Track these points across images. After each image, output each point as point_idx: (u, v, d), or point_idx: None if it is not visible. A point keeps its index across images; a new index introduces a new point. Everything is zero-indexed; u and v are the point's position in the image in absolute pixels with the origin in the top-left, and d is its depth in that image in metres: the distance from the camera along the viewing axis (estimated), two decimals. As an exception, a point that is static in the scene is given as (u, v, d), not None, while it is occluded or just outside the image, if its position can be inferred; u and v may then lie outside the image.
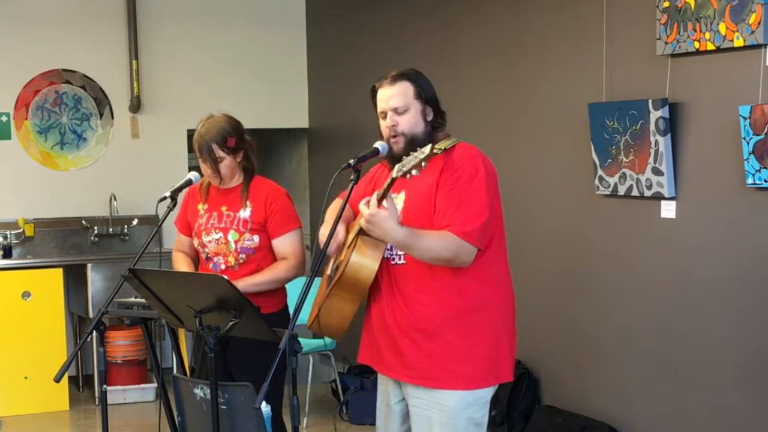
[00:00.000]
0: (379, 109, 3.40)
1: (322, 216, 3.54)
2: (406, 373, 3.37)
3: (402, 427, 3.51)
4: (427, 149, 3.00)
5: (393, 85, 3.35)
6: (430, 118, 3.37)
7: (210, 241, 4.30)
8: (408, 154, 3.11)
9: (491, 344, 3.35)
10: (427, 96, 3.36)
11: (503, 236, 3.43)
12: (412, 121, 3.33)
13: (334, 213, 3.51)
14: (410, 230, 3.16)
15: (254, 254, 4.27)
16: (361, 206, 3.14)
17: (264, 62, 7.92)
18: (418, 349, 3.33)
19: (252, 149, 4.34)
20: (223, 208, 4.31)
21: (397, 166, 3.09)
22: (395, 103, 3.33)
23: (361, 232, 3.30)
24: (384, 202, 3.15)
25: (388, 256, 3.36)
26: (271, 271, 4.26)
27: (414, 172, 3.04)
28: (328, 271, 3.51)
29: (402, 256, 3.35)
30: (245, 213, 4.27)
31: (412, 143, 3.28)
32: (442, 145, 3.10)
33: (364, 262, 3.30)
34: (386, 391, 3.53)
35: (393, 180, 3.10)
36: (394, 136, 3.33)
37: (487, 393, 3.37)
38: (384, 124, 3.37)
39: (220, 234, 4.28)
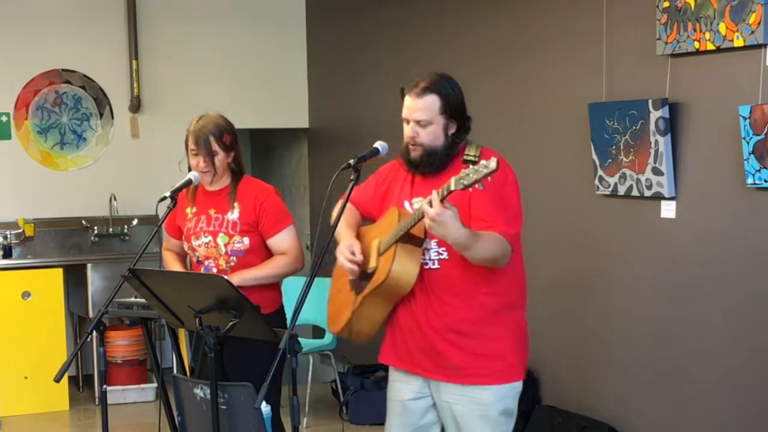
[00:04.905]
0: (403, 114, 3.44)
1: (334, 223, 3.52)
2: (442, 373, 3.45)
3: (420, 422, 3.54)
4: (492, 164, 3.01)
5: (420, 98, 3.38)
6: (452, 132, 3.41)
7: (200, 245, 4.29)
8: (423, 162, 3.30)
9: (518, 339, 3.48)
10: (452, 111, 3.39)
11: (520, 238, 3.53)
12: (431, 135, 3.38)
13: (347, 224, 3.58)
14: (470, 230, 3.22)
15: (245, 256, 4.26)
16: (424, 206, 3.16)
17: (264, 62, 7.92)
18: (453, 348, 3.41)
19: (241, 155, 4.36)
20: (212, 211, 4.30)
21: (454, 180, 3.09)
22: (418, 116, 3.38)
23: (401, 239, 3.32)
24: (445, 203, 3.16)
25: (422, 261, 3.41)
26: (270, 266, 4.26)
27: (478, 186, 3.06)
28: (350, 276, 3.51)
29: (436, 261, 3.40)
30: (233, 215, 4.26)
31: (430, 156, 3.37)
32: (475, 152, 3.25)
33: (407, 269, 3.35)
34: (402, 388, 3.57)
35: (450, 192, 3.12)
36: (413, 144, 3.40)
37: (519, 385, 3.51)
38: (406, 129, 3.43)
39: (210, 238, 4.27)
